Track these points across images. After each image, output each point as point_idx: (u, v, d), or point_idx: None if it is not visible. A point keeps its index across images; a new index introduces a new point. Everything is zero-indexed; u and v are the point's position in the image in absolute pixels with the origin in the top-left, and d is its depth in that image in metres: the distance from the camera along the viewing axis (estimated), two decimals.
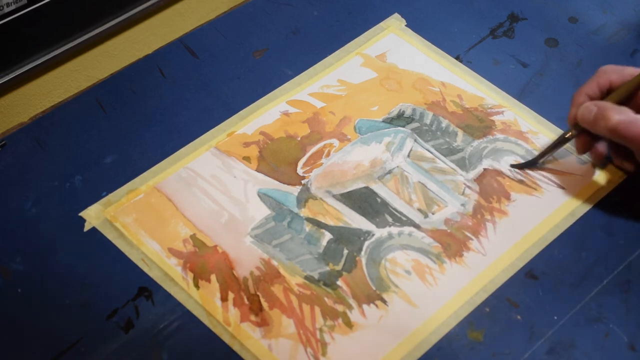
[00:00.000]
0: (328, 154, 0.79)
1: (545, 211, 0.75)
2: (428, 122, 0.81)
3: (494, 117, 0.82)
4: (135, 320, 0.68)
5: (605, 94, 0.75)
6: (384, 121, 0.81)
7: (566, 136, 0.76)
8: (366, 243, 0.73)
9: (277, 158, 0.78)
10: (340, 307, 0.69)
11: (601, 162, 0.77)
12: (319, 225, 0.73)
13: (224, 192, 0.76)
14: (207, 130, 0.80)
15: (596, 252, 0.73)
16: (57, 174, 0.77)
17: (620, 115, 0.70)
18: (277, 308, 0.68)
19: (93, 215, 0.74)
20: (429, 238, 0.73)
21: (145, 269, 0.71)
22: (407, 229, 0.74)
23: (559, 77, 0.87)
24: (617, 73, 0.74)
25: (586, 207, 0.76)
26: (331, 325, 0.68)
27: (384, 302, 0.69)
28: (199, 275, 0.70)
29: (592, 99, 0.74)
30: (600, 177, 0.77)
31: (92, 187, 0.76)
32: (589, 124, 0.72)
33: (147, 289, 0.70)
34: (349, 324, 0.68)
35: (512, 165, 0.78)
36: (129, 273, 0.70)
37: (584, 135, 0.75)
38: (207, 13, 0.94)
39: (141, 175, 0.77)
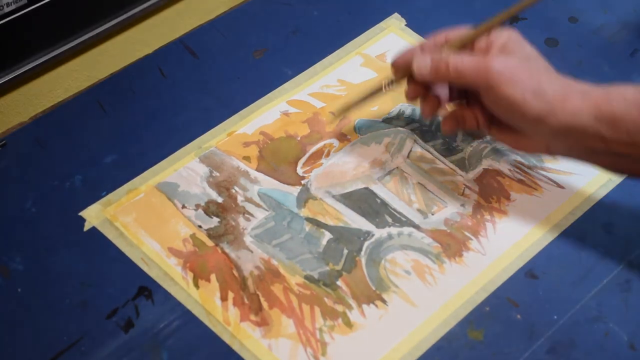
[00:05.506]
0: (328, 154, 0.79)
1: (545, 211, 0.75)
2: (428, 122, 0.81)
3: None
4: (135, 320, 0.68)
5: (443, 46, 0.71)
6: (383, 121, 0.81)
7: (385, 86, 0.74)
8: (366, 243, 0.73)
9: (277, 158, 0.78)
10: (340, 307, 0.69)
11: (434, 114, 0.73)
12: (319, 225, 0.73)
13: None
14: (207, 130, 0.80)
15: (596, 252, 0.73)
16: (57, 174, 0.77)
17: (456, 58, 0.67)
18: (277, 308, 0.68)
19: (93, 215, 0.74)
20: (429, 238, 0.73)
21: (145, 269, 0.71)
22: (406, 230, 0.74)
23: None
24: (454, 31, 0.71)
25: (586, 207, 0.76)
26: (331, 325, 0.68)
27: (384, 302, 0.69)
28: (199, 275, 0.70)
29: (425, 49, 0.71)
30: (600, 176, 0.77)
31: (92, 186, 0.76)
32: (428, 74, 0.69)
33: (147, 288, 0.70)
34: (348, 324, 0.68)
35: (336, 117, 0.80)
36: (129, 272, 0.70)
37: (414, 83, 0.71)
38: (207, 13, 0.94)
39: (141, 175, 0.77)
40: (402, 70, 0.72)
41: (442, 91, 0.72)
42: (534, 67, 0.67)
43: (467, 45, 0.70)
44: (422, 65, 0.69)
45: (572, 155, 0.68)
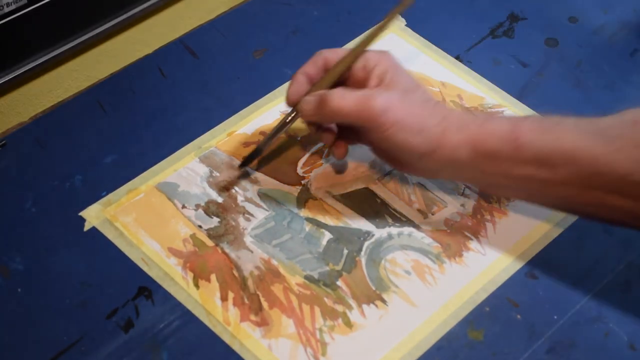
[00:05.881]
0: (328, 154, 0.79)
1: (545, 211, 0.75)
2: None
3: None
4: (135, 320, 0.68)
5: (323, 74, 0.71)
6: None
7: (289, 118, 0.72)
8: (366, 243, 0.72)
9: (277, 158, 0.78)
10: (340, 307, 0.69)
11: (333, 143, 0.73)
12: (319, 225, 0.73)
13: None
14: (207, 130, 0.80)
15: (596, 252, 0.73)
16: (57, 174, 0.77)
17: (337, 97, 0.67)
18: (277, 308, 0.68)
19: (93, 215, 0.74)
20: (429, 238, 0.73)
21: (145, 269, 0.70)
22: (406, 230, 0.74)
23: (559, 77, 0.87)
24: (334, 53, 0.71)
25: None
26: (331, 325, 0.68)
27: (384, 302, 0.69)
28: (199, 275, 0.70)
29: (310, 78, 0.71)
30: None
31: (92, 186, 0.76)
32: (313, 116, 0.69)
33: (147, 288, 0.70)
34: (348, 324, 0.68)
35: (241, 165, 0.75)
36: (129, 272, 0.70)
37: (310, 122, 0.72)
38: (207, 13, 0.94)
39: (141, 175, 0.77)
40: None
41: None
42: (414, 102, 0.67)
43: (347, 71, 0.70)
44: (306, 107, 0.69)
45: (460, 181, 0.71)
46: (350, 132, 0.71)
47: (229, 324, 0.67)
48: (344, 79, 0.71)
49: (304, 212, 0.74)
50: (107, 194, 0.75)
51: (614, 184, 0.62)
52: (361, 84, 0.69)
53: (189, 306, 0.68)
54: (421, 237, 0.73)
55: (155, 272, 0.70)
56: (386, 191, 0.76)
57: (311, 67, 0.71)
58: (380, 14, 0.91)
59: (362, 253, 0.72)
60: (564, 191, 0.65)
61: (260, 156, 0.75)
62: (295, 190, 0.76)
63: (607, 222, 0.68)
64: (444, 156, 0.66)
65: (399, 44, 0.88)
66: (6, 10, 0.79)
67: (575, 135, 0.63)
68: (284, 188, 0.76)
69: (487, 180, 0.68)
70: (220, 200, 0.75)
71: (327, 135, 0.72)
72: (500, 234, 0.73)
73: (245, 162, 0.75)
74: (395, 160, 0.70)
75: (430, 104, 0.68)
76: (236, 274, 0.70)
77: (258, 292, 0.69)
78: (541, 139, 0.64)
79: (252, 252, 0.72)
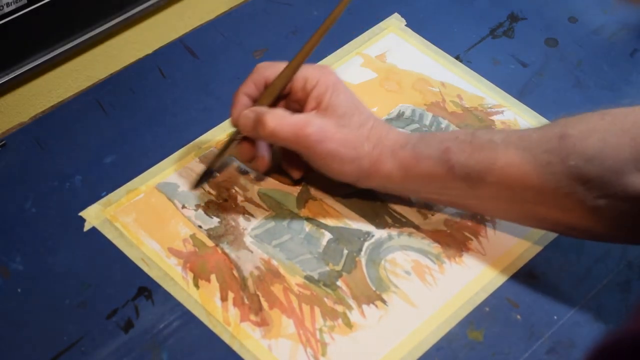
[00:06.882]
0: None
1: None
2: (427, 123, 0.81)
3: (494, 117, 0.82)
4: (135, 320, 0.68)
5: (264, 90, 0.72)
6: None
7: (235, 138, 0.73)
8: (366, 244, 0.72)
9: (277, 158, 0.78)
10: (340, 308, 0.69)
11: (266, 171, 0.76)
12: (319, 225, 0.73)
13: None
14: (207, 130, 0.80)
15: (596, 252, 0.73)
16: (57, 174, 0.77)
17: (274, 120, 0.68)
18: (277, 308, 0.68)
19: (93, 215, 0.74)
20: (429, 239, 0.73)
21: (145, 269, 0.70)
22: (406, 230, 0.74)
23: (559, 77, 0.87)
24: (272, 68, 0.71)
25: None
26: (331, 326, 0.68)
27: (384, 302, 0.69)
28: (199, 275, 0.70)
29: (251, 97, 0.72)
30: None
31: (92, 187, 0.76)
32: (251, 132, 0.70)
33: (147, 288, 0.70)
34: (348, 324, 0.68)
35: (194, 187, 0.75)
36: (129, 273, 0.70)
37: (247, 141, 0.72)
38: (207, 13, 0.94)
39: (141, 175, 0.77)
40: None
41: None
42: (349, 129, 0.69)
43: (288, 83, 0.71)
44: (244, 122, 0.70)
45: (393, 194, 0.74)
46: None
47: (229, 324, 0.67)
48: (285, 93, 0.72)
49: (304, 213, 0.74)
50: (107, 194, 0.75)
51: (544, 197, 0.65)
52: (300, 103, 0.71)
53: (189, 306, 0.68)
54: (421, 238, 0.73)
55: (155, 272, 0.70)
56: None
57: (251, 85, 0.72)
58: (380, 13, 0.91)
59: (362, 253, 0.72)
60: (495, 205, 0.68)
61: (211, 177, 0.76)
62: (295, 191, 0.76)
63: (544, 229, 0.70)
64: (376, 179, 0.70)
65: (399, 44, 0.88)
66: (6, 10, 0.79)
67: (506, 153, 0.66)
68: (284, 188, 0.76)
69: (421, 195, 0.72)
70: (220, 200, 0.75)
71: (259, 164, 0.74)
72: (500, 234, 0.73)
73: (198, 183, 0.75)
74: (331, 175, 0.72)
75: (365, 129, 0.69)
76: (236, 274, 0.70)
77: (258, 293, 0.69)
78: (472, 158, 0.66)
79: (252, 252, 0.72)
